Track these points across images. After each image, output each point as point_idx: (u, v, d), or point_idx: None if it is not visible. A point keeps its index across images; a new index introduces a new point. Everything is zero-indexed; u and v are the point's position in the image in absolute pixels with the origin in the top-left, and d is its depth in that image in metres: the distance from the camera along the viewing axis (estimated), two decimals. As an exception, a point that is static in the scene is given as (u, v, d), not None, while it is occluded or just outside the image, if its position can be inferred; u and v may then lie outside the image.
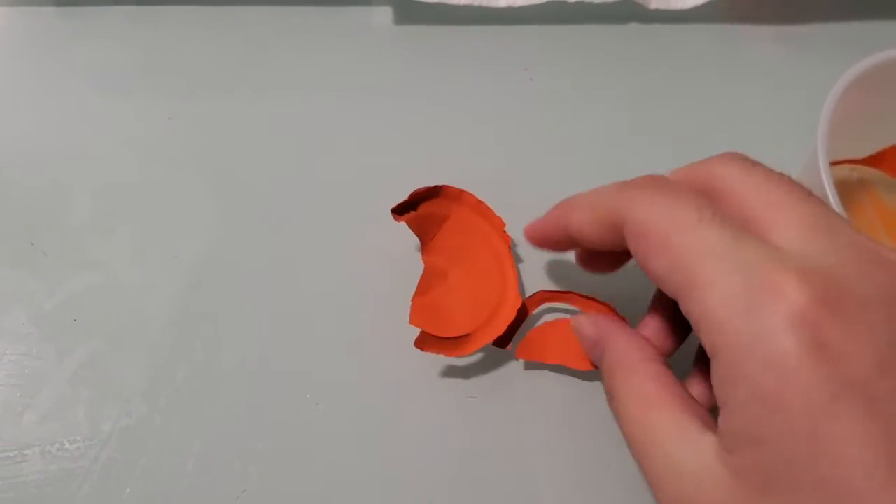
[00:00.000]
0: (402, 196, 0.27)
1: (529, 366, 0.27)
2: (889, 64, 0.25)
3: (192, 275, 0.28)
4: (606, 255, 0.25)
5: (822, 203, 0.19)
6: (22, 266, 0.28)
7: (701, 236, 0.18)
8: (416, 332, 0.26)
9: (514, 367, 0.27)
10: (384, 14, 0.34)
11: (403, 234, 0.28)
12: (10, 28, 0.33)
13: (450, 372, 0.27)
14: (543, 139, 0.32)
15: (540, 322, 0.28)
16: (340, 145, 0.31)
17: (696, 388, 0.22)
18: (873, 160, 0.29)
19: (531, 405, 0.27)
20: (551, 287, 0.28)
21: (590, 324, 0.24)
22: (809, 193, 0.19)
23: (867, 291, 0.16)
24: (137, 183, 0.30)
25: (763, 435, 0.16)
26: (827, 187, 0.23)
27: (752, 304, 0.16)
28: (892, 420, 0.15)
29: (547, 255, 0.29)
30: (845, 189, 0.30)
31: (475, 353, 0.27)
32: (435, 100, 0.32)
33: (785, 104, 0.33)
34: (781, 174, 0.20)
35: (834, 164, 0.29)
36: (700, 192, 0.20)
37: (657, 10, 0.33)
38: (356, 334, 0.27)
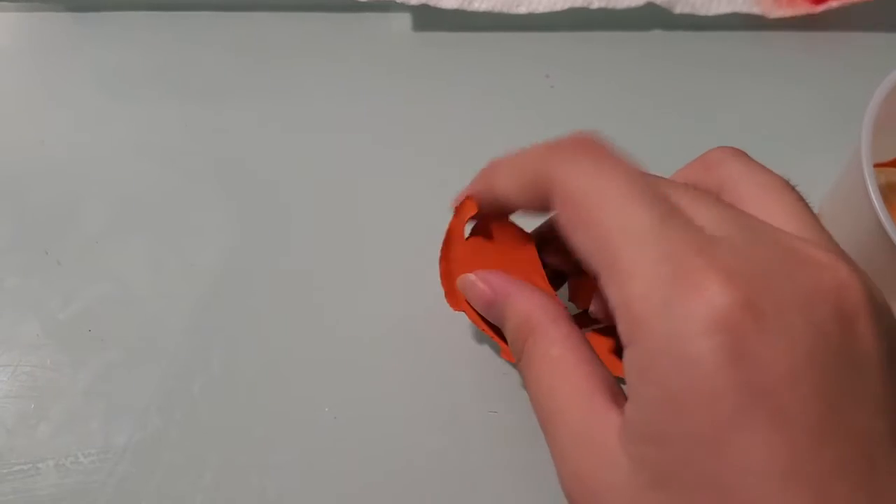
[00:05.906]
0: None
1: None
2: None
3: (208, 285, 0.28)
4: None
5: (733, 206, 0.18)
6: (36, 275, 0.28)
7: (628, 214, 0.17)
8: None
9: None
10: (403, 21, 0.34)
11: (422, 247, 0.27)
12: (24, 33, 0.33)
13: (469, 386, 0.27)
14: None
15: None
16: (359, 152, 0.31)
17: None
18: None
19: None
20: None
21: (481, 281, 0.23)
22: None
23: (789, 293, 0.16)
24: (153, 191, 0.30)
25: (667, 434, 0.16)
26: (871, 192, 0.23)
27: (672, 301, 0.16)
28: (796, 431, 0.15)
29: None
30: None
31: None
32: (454, 107, 0.32)
33: (810, 112, 0.32)
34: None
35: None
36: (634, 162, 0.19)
37: (681, 17, 0.33)
38: (374, 346, 0.27)
